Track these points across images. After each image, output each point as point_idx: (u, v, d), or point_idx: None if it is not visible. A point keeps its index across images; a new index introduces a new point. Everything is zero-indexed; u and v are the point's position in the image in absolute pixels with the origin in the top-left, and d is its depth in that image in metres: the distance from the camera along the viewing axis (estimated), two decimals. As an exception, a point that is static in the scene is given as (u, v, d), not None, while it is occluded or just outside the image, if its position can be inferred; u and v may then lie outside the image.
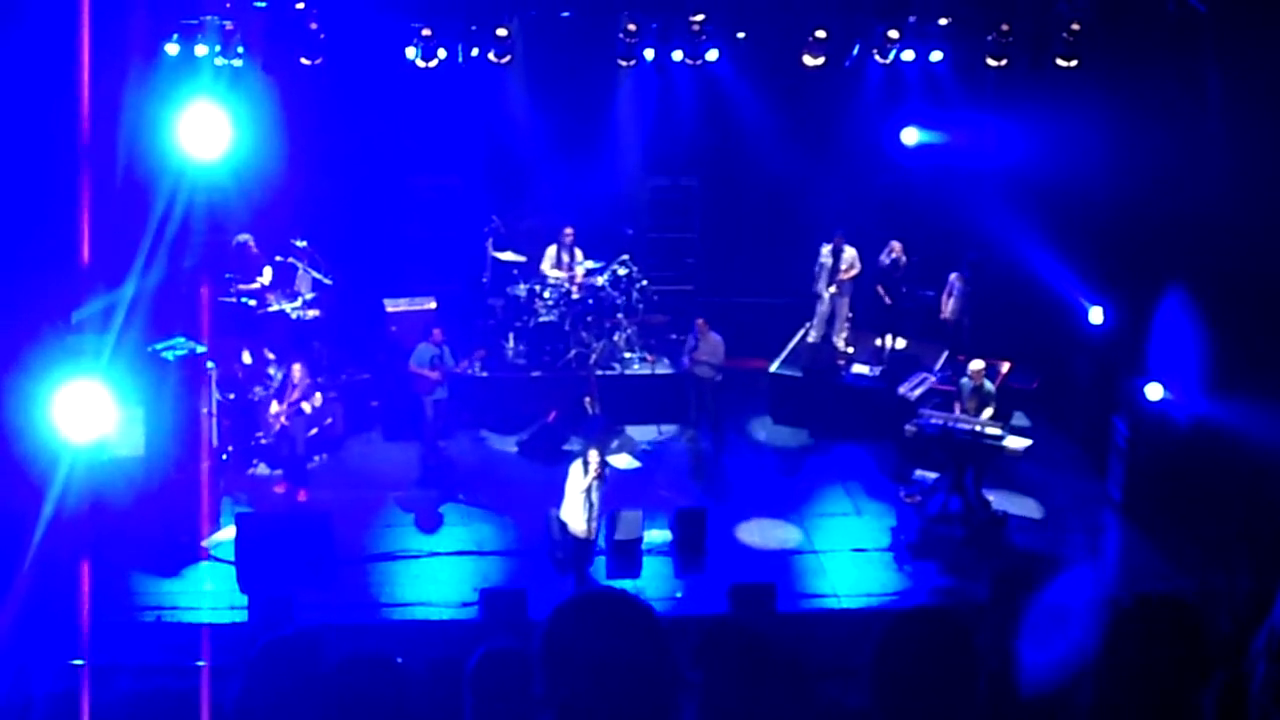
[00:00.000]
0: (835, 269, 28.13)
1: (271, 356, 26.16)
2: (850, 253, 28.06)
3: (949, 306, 28.15)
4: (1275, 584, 4.88)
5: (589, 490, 21.35)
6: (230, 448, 24.55)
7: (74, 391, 20.04)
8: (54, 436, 20.03)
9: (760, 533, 23.71)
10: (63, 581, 20.77)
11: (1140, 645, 5.43)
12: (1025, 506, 24.59)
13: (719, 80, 28.47)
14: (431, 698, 6.40)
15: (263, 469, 24.62)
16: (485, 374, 26.98)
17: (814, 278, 28.32)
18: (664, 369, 27.69)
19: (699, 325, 26.36)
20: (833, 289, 28.21)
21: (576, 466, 21.56)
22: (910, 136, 27.94)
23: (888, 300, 27.77)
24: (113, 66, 24.29)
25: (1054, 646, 7.23)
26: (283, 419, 23.35)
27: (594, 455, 21.49)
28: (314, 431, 24.03)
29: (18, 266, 21.57)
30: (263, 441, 24.55)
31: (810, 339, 28.67)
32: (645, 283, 28.29)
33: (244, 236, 26.77)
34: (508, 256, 28.03)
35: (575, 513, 21.45)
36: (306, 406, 23.83)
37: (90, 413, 20.64)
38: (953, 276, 28.05)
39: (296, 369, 23.84)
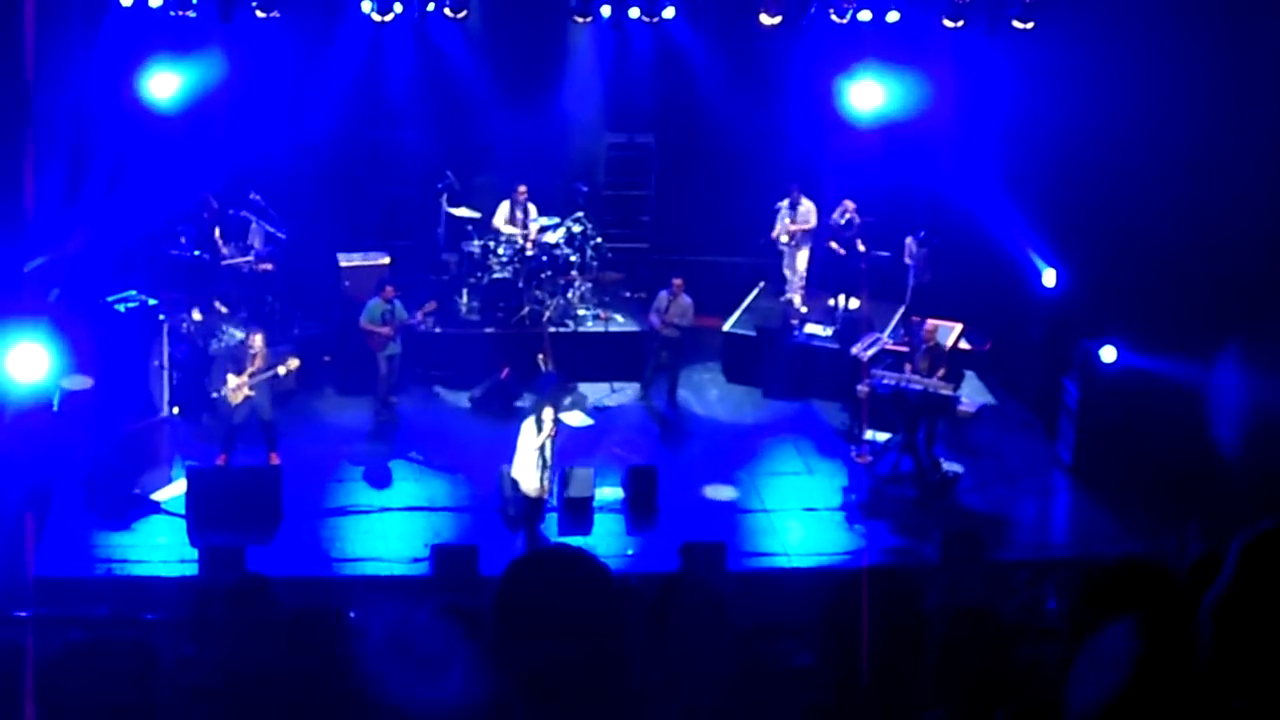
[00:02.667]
0: (793, 222, 28.15)
1: (224, 310, 26.06)
2: (806, 205, 28.07)
3: (908, 267, 28.21)
4: (1223, 548, 4.89)
5: (542, 448, 21.35)
6: (177, 406, 24.41)
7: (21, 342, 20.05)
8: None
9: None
10: (9, 533, 20.74)
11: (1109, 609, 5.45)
12: (975, 468, 24.67)
13: (675, 37, 28.42)
14: (381, 652, 6.40)
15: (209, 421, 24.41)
16: (438, 330, 26.91)
17: (771, 231, 28.29)
18: (618, 327, 27.69)
19: (675, 285, 26.26)
20: (786, 238, 28.16)
21: (529, 424, 21.55)
22: (865, 95, 27.85)
23: (841, 251, 27.78)
24: (60, 16, 24.14)
25: None
26: (245, 390, 23.03)
27: (547, 413, 21.48)
28: (273, 379, 23.76)
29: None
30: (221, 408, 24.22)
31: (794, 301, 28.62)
32: (600, 240, 28.28)
33: (204, 195, 26.64)
34: (462, 212, 27.96)
35: (528, 470, 21.44)
36: (283, 370, 23.55)
37: (35, 360, 20.63)
38: (909, 239, 28.08)
39: (257, 339, 23.36)
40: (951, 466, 24.38)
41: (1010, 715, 5.48)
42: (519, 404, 25.61)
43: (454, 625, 4.88)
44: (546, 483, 21.56)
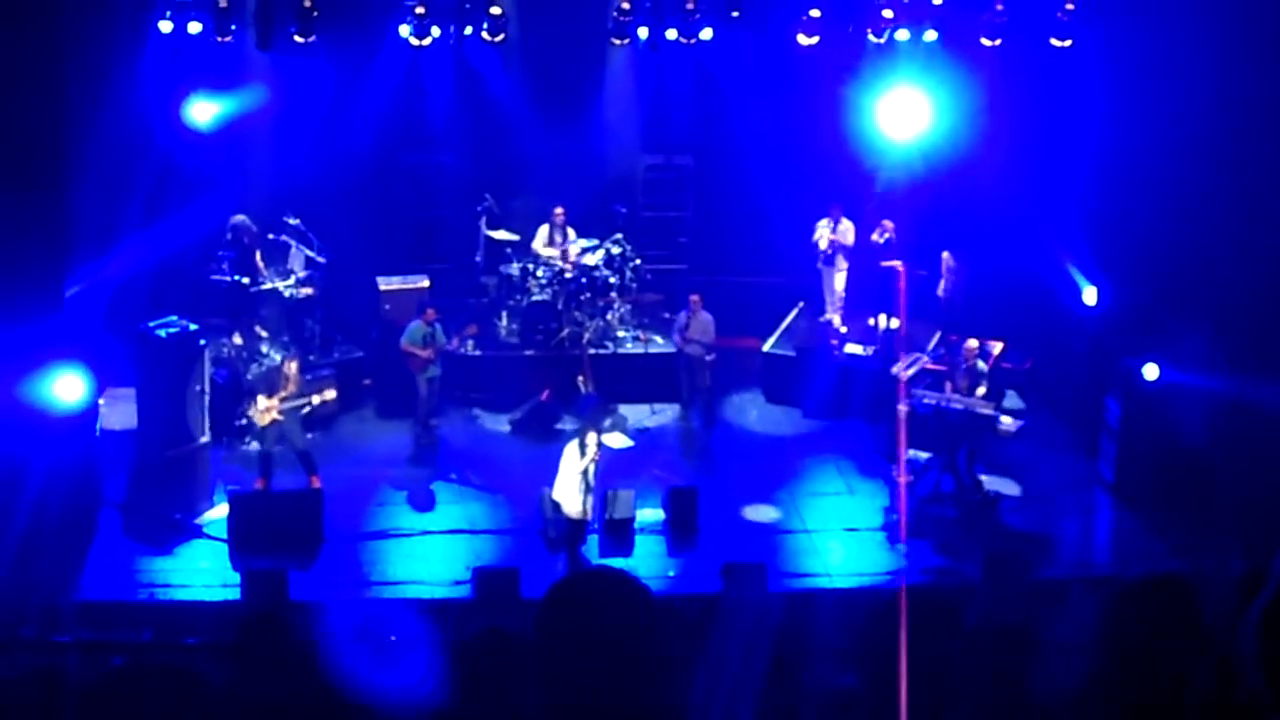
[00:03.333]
0: (830, 246, 28.10)
1: (264, 334, 26.13)
2: (846, 224, 28.04)
3: (942, 286, 28.17)
4: (1266, 566, 4.88)
5: (585, 472, 21.37)
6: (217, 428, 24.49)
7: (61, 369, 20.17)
8: (42, 411, 20.12)
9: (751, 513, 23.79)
10: (52, 557, 20.84)
11: (1138, 626, 5.44)
12: (1015, 488, 24.59)
13: (713, 58, 28.42)
14: (422, 676, 6.41)
15: (254, 446, 24.45)
16: (478, 353, 26.95)
17: (814, 255, 28.26)
18: (657, 348, 27.68)
19: (693, 302, 26.31)
20: (825, 244, 28.04)
21: (572, 448, 21.56)
22: (904, 115, 27.76)
23: (900, 267, 27.63)
24: (100, 42, 24.29)
25: None
26: (274, 413, 23.06)
27: (591, 437, 21.50)
28: (307, 410, 23.80)
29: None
30: (250, 434, 24.24)
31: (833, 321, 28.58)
32: (639, 261, 28.28)
33: (239, 217, 26.73)
34: (501, 235, 28.01)
35: (570, 493, 21.45)
36: (318, 400, 23.57)
37: (76, 385, 20.77)
38: (945, 255, 28.04)
39: (292, 366, 23.45)
40: (1004, 487, 24.34)
41: None
42: (559, 426, 25.65)
43: (416, 616, 4.90)
44: (589, 505, 21.58)
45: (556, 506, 21.79)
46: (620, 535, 22.58)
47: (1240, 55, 23.49)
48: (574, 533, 21.72)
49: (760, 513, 23.58)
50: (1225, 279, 23.66)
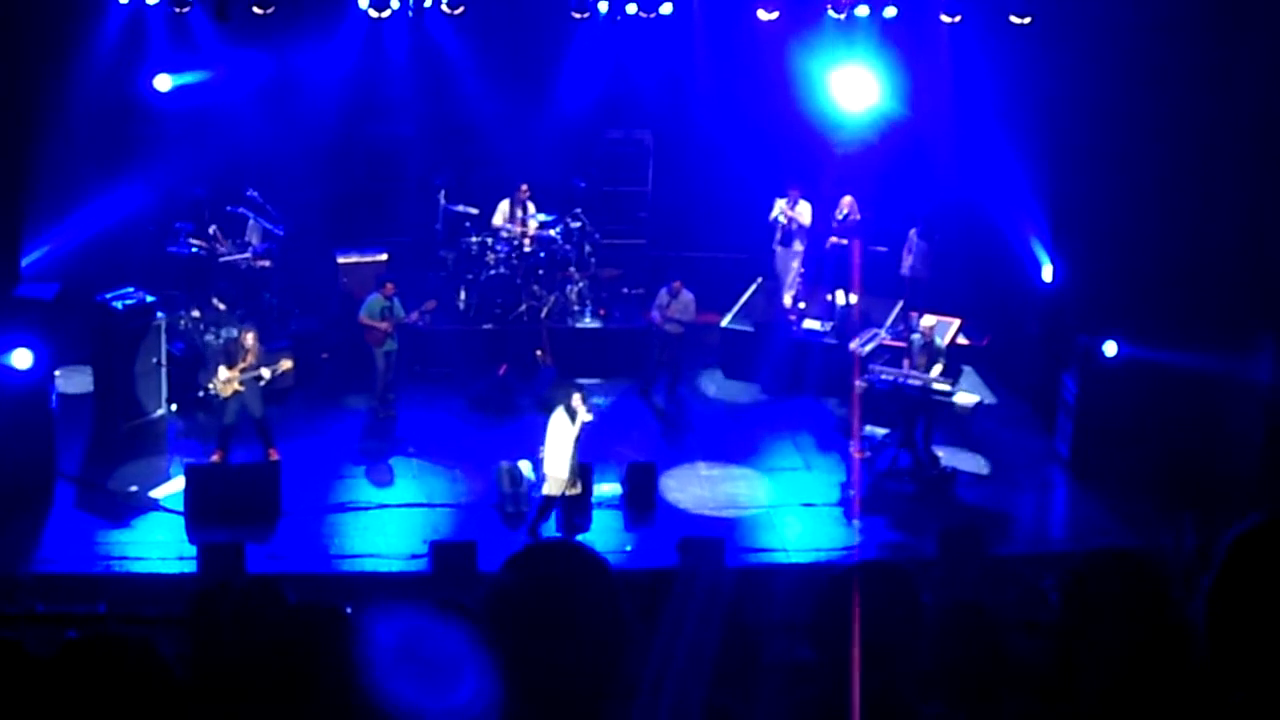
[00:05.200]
0: (790, 223, 28.05)
1: (222, 308, 26.02)
2: (803, 205, 28.00)
3: (907, 262, 28.22)
4: (1219, 542, 4.92)
5: (576, 439, 21.40)
6: (175, 403, 24.42)
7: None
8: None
9: (709, 487, 23.81)
10: (7, 530, 20.80)
11: (1100, 601, 5.47)
12: (973, 463, 24.69)
13: (673, 33, 28.35)
14: (380, 648, 6.40)
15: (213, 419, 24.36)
16: (436, 326, 26.90)
17: (770, 233, 28.22)
18: (616, 323, 27.69)
19: (674, 286, 26.28)
20: (784, 219, 27.97)
21: (560, 417, 21.50)
22: (862, 91, 27.75)
23: (844, 242, 27.68)
24: (57, 14, 24.19)
25: None
26: (235, 385, 22.94)
27: (578, 402, 21.49)
28: (265, 382, 23.68)
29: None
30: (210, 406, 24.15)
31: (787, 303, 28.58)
32: (597, 236, 28.26)
33: (199, 192, 26.66)
34: (460, 209, 27.95)
35: (561, 462, 21.45)
36: (272, 371, 23.45)
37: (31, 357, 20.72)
38: (911, 233, 28.10)
39: (250, 336, 23.31)
40: (973, 464, 24.46)
41: None
42: (517, 400, 25.65)
43: (462, 631, 4.89)
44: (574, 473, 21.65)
45: (514, 480, 21.83)
46: (578, 509, 22.52)
47: (1198, 34, 23.57)
48: (565, 502, 21.77)
49: (604, 489, 23.31)
50: (1183, 256, 23.75)
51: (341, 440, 24.68)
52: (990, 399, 26.29)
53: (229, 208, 26.75)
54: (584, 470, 22.46)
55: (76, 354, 24.36)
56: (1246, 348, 23.15)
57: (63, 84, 25.03)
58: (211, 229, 26.43)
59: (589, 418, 21.50)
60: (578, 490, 21.82)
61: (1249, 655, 4.81)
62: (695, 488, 23.66)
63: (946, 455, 24.37)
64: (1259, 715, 4.83)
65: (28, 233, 23.40)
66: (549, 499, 21.69)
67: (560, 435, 21.46)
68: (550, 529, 21.98)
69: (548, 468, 21.62)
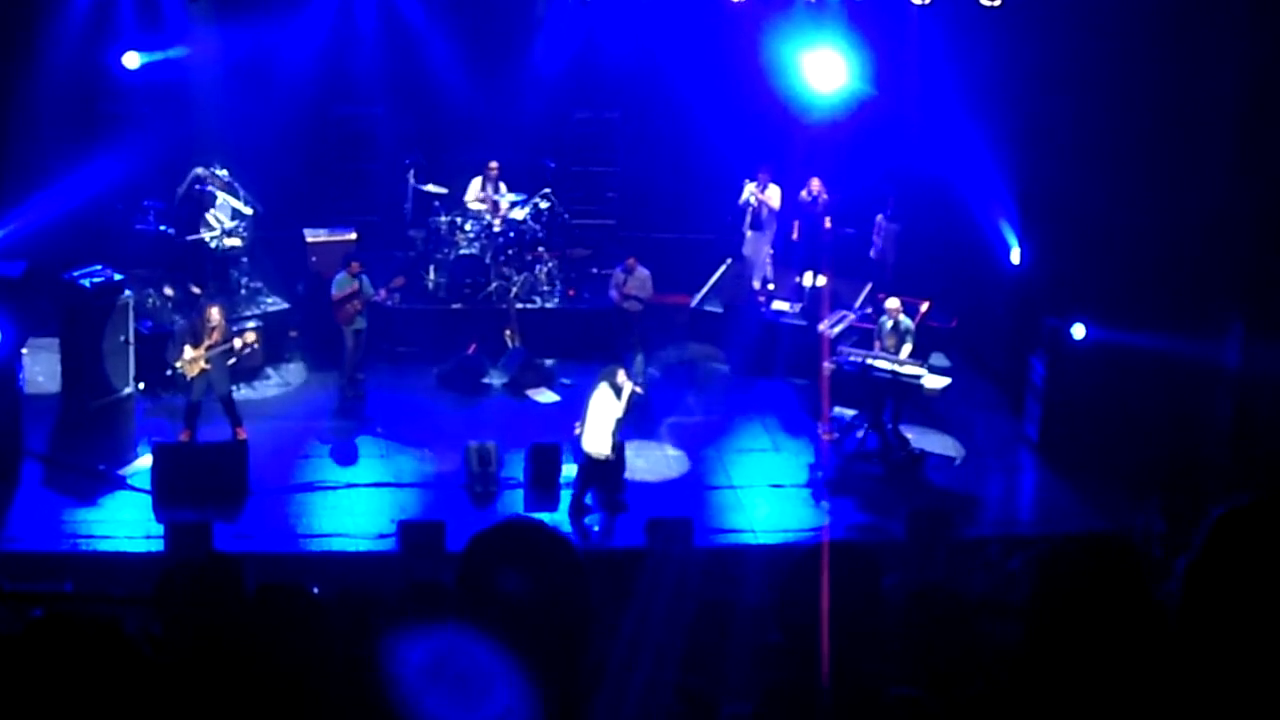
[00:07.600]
0: (759, 206, 28.01)
1: (197, 291, 25.91)
2: (773, 189, 27.96)
3: (877, 244, 28.24)
4: (1189, 526, 4.94)
5: (620, 415, 21.63)
6: (143, 382, 24.32)
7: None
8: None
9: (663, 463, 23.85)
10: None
11: (1075, 585, 5.47)
12: (943, 445, 24.73)
13: (643, 12, 28.31)
14: (348, 628, 6.40)
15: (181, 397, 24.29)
16: (405, 306, 26.86)
17: (740, 216, 28.17)
18: (584, 303, 27.68)
19: (629, 263, 26.30)
20: (754, 201, 27.92)
21: (604, 391, 21.60)
22: (832, 72, 27.73)
23: (795, 236, 27.78)
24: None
25: None
26: (202, 363, 22.81)
27: (623, 378, 21.57)
28: (232, 361, 23.56)
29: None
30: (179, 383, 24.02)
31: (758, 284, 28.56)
32: (567, 216, 28.24)
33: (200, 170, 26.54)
34: (430, 188, 27.89)
35: (602, 437, 21.57)
36: (238, 343, 23.31)
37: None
38: (879, 217, 28.11)
39: (214, 312, 23.15)
40: (947, 448, 24.50)
41: None
42: (485, 380, 25.63)
43: (491, 646, 4.86)
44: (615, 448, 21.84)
45: (483, 459, 21.87)
46: (546, 490, 22.51)
47: (1169, 16, 23.59)
48: (607, 476, 21.98)
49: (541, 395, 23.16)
50: (1151, 239, 23.78)
51: (310, 419, 24.63)
52: (955, 380, 26.29)
53: (198, 186, 26.60)
54: (618, 446, 22.46)
55: (43, 332, 24.28)
56: (1214, 331, 23.22)
57: (30, 61, 24.92)
58: (180, 206, 26.34)
59: (639, 390, 21.56)
60: (612, 457, 21.95)
61: (1228, 636, 4.82)
62: (662, 467, 23.67)
63: (915, 437, 24.41)
64: (1233, 695, 4.85)
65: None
66: (601, 465, 21.83)
67: (603, 412, 21.58)
68: (518, 508, 22.00)
69: (588, 444, 21.72)
